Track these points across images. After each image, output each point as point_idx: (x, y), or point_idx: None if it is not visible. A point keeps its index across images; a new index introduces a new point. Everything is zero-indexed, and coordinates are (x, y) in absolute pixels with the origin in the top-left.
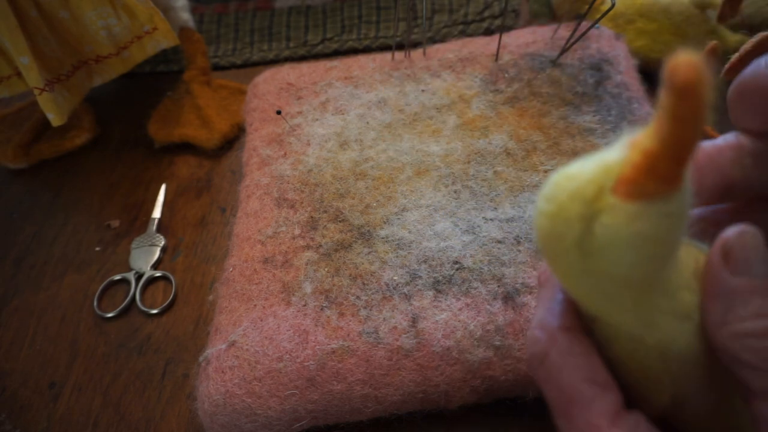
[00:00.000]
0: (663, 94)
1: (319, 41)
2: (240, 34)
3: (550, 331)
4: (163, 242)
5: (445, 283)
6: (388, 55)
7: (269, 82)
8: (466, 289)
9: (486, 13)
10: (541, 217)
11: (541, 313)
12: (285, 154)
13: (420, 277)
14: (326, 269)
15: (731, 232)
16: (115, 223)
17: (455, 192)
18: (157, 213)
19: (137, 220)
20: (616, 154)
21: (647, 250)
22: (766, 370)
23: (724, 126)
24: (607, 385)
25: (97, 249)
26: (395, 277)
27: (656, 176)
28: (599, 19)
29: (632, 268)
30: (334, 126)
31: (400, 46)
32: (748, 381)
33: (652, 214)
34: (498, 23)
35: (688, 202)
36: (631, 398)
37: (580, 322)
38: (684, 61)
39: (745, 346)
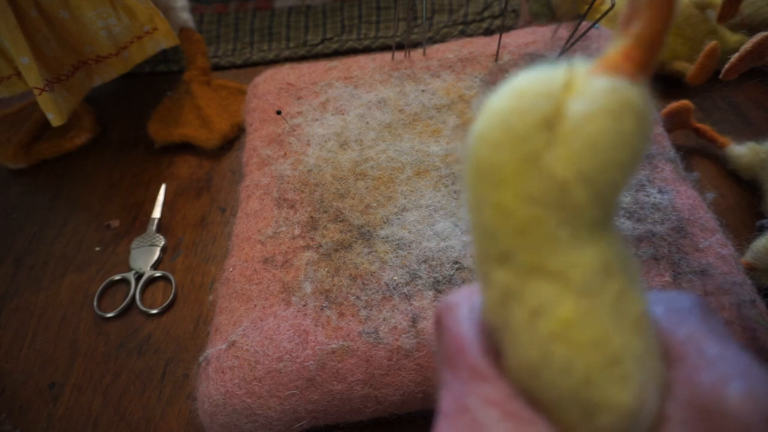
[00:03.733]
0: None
1: (319, 41)
2: (240, 34)
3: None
4: (163, 242)
5: (445, 283)
6: (388, 55)
7: (269, 82)
8: None
9: (486, 13)
10: (492, 111)
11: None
12: (285, 154)
13: (420, 277)
14: (326, 269)
15: None
16: (115, 223)
17: (455, 192)
18: (157, 213)
19: (137, 220)
20: (581, 65)
21: (625, 129)
22: None
23: (723, 126)
24: None
25: (97, 249)
26: (395, 277)
27: (630, 59)
28: (599, 19)
29: (607, 152)
30: (334, 126)
31: (400, 46)
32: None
33: (628, 88)
34: (498, 23)
35: (652, 109)
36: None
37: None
38: None
39: None
